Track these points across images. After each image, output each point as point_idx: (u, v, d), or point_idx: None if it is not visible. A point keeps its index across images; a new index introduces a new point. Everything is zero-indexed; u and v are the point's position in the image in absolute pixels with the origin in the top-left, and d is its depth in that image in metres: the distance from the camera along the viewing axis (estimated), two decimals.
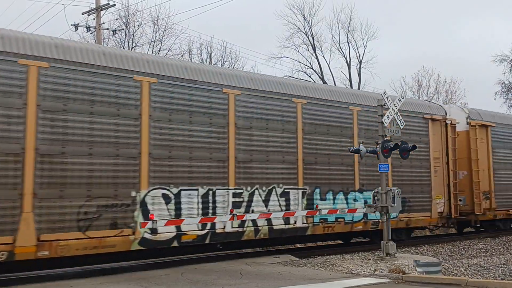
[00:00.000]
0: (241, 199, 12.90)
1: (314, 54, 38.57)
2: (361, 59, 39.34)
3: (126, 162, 11.15)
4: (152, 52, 30.21)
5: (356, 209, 15.38)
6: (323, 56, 39.34)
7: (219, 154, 12.66)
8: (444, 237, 20.10)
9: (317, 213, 14.42)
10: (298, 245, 17.50)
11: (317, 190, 14.51)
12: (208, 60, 32.58)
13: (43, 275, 10.92)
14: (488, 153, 20.11)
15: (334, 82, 37.81)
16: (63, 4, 52.95)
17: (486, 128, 20.23)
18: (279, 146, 13.81)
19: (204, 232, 12.22)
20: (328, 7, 71.56)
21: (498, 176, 20.37)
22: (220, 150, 12.69)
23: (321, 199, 14.58)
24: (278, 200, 13.64)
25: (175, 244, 11.80)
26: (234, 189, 12.81)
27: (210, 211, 12.35)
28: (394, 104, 13.81)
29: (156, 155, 11.60)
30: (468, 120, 19.69)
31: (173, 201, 11.77)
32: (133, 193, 11.18)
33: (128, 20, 30.50)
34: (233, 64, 33.25)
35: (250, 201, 13.05)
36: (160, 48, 31.04)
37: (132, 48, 29.79)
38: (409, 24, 65.64)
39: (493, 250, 16.83)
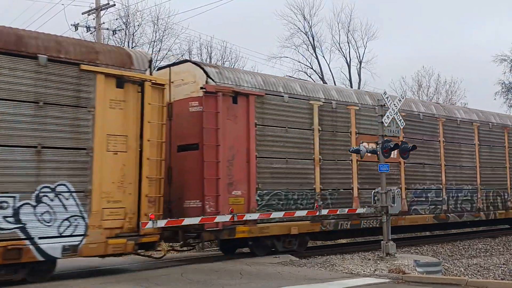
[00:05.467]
0: None
1: (314, 54, 38.65)
2: (361, 59, 39.43)
3: None
4: (152, 52, 30.17)
5: None
6: (323, 56, 39.40)
7: None
8: (444, 237, 20.11)
9: None
10: None
11: None
12: (208, 60, 32.52)
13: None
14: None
15: (334, 82, 37.84)
16: (63, 4, 52.81)
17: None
18: None
19: None
20: (328, 7, 71.40)
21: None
22: None
23: None
24: None
25: None
26: None
27: None
28: (395, 104, 13.79)
29: None
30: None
31: None
32: None
33: (128, 20, 30.50)
34: (233, 64, 33.22)
35: None
36: (160, 48, 31.05)
37: (132, 48, 29.75)
38: (409, 24, 65.74)
39: (493, 250, 16.85)
